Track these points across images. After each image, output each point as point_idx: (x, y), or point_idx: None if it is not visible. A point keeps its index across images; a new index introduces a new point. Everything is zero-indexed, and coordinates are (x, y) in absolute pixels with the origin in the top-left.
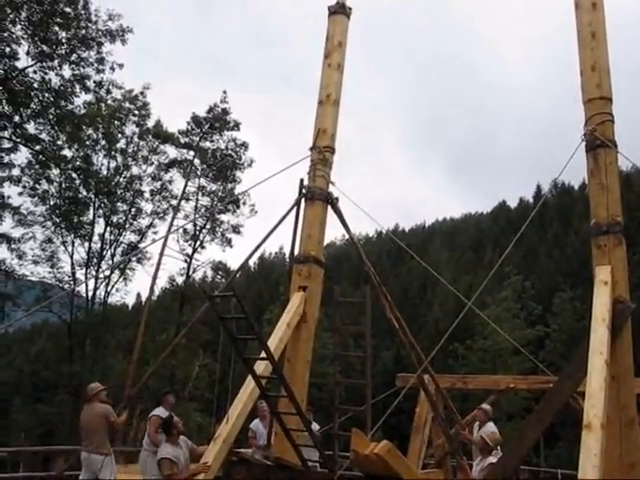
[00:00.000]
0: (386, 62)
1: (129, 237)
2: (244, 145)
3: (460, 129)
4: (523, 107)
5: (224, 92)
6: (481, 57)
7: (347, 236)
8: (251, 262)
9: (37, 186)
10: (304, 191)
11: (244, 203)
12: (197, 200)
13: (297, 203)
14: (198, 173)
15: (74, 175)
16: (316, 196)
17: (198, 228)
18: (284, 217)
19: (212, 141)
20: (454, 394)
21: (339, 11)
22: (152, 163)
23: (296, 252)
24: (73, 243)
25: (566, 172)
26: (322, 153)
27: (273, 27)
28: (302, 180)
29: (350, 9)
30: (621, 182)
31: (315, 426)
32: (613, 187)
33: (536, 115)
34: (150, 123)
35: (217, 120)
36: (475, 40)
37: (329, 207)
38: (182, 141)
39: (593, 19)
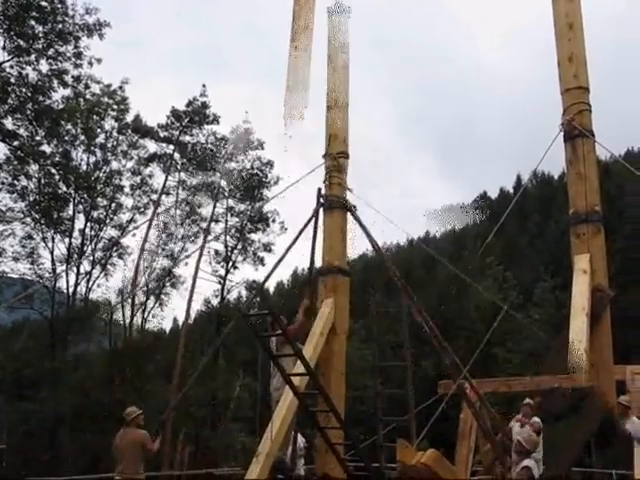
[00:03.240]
0: (361, 52)
1: (110, 232)
2: (269, 163)
3: (438, 120)
4: (502, 97)
5: (203, 85)
6: (459, 46)
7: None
8: (284, 279)
9: (16, 182)
10: (322, 201)
11: (273, 220)
12: (226, 221)
13: (315, 214)
14: (178, 167)
15: (53, 171)
16: (334, 204)
17: (229, 249)
18: (303, 229)
19: (192, 135)
20: (499, 398)
21: (339, 12)
22: (132, 158)
23: (320, 264)
24: (53, 239)
25: (546, 162)
26: (336, 159)
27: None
28: (320, 189)
29: (349, 8)
30: (600, 171)
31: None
32: (591, 176)
33: (516, 105)
34: (129, 117)
35: (197, 114)
36: (453, 28)
37: (349, 215)
38: (161, 135)
39: (570, 10)
